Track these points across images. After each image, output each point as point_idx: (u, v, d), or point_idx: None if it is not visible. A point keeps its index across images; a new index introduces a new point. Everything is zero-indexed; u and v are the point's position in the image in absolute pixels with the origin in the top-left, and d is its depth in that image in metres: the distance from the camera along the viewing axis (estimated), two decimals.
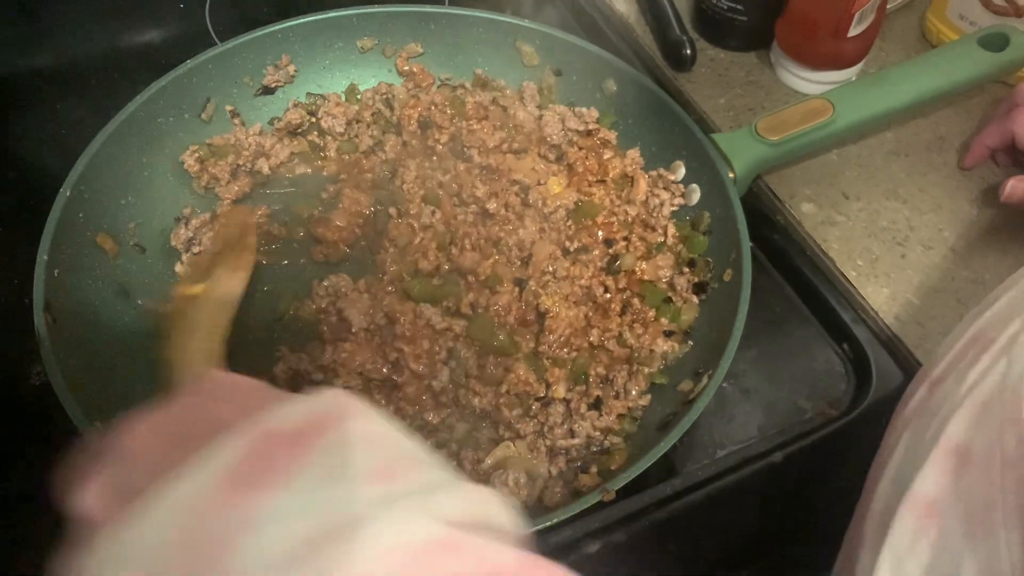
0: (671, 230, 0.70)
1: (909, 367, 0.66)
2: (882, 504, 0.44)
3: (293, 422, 0.31)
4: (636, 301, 0.67)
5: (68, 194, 0.63)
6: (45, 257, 0.60)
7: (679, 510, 0.60)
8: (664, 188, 0.72)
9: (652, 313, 0.67)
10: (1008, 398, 0.39)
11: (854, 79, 0.83)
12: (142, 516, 0.29)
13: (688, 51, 0.84)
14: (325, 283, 0.68)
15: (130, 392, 0.61)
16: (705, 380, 0.59)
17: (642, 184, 0.72)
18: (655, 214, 0.71)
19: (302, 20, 0.77)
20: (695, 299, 0.67)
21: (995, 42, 0.76)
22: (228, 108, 0.76)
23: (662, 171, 0.73)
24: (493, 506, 0.32)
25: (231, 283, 0.65)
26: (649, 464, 0.54)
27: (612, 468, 0.58)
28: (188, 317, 0.61)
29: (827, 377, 0.68)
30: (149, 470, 0.32)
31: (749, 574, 0.59)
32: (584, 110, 0.76)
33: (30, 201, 0.66)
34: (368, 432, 0.32)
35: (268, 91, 0.78)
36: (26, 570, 0.58)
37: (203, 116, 0.75)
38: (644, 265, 0.69)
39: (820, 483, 0.62)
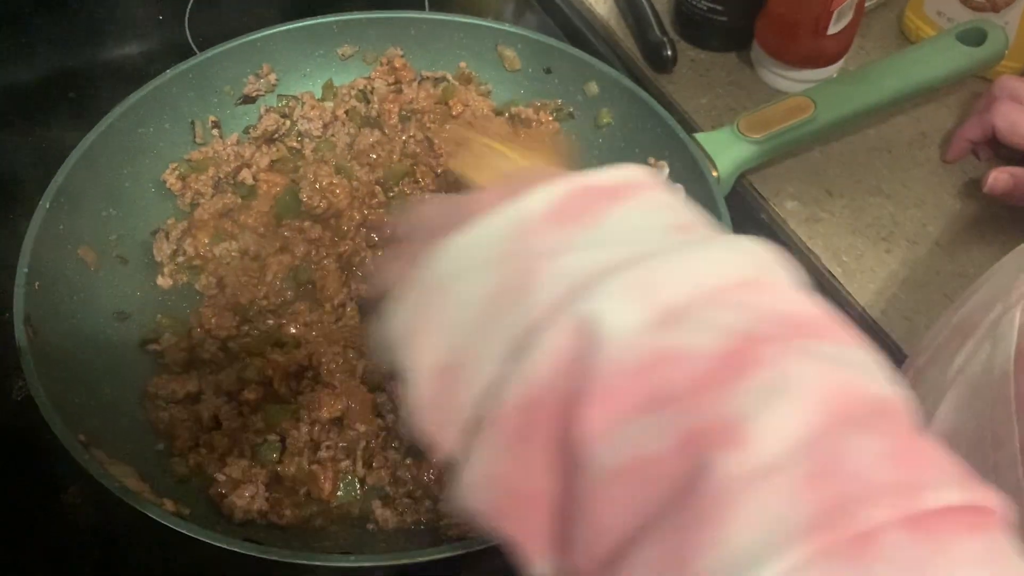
0: None
1: (896, 361, 0.66)
2: None
3: (607, 180, 0.34)
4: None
5: (48, 206, 0.62)
6: (25, 270, 0.59)
7: None
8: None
9: None
10: (996, 379, 0.40)
11: (835, 76, 0.83)
12: (469, 233, 0.33)
13: (669, 52, 0.84)
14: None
15: (113, 404, 0.60)
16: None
17: None
18: None
19: (281, 28, 0.76)
20: None
21: (973, 37, 0.77)
22: (211, 119, 0.76)
23: None
24: (783, 258, 0.33)
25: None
26: None
27: None
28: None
29: None
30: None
31: None
32: None
33: (10, 214, 0.66)
34: (668, 200, 0.35)
35: (249, 100, 0.77)
36: None
37: (197, 139, 0.75)
38: None
39: None
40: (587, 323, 0.28)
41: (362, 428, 0.60)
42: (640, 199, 0.34)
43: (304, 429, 0.60)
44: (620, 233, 0.32)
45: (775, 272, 0.31)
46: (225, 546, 0.49)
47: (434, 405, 0.33)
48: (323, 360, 0.63)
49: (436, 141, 0.75)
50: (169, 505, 0.52)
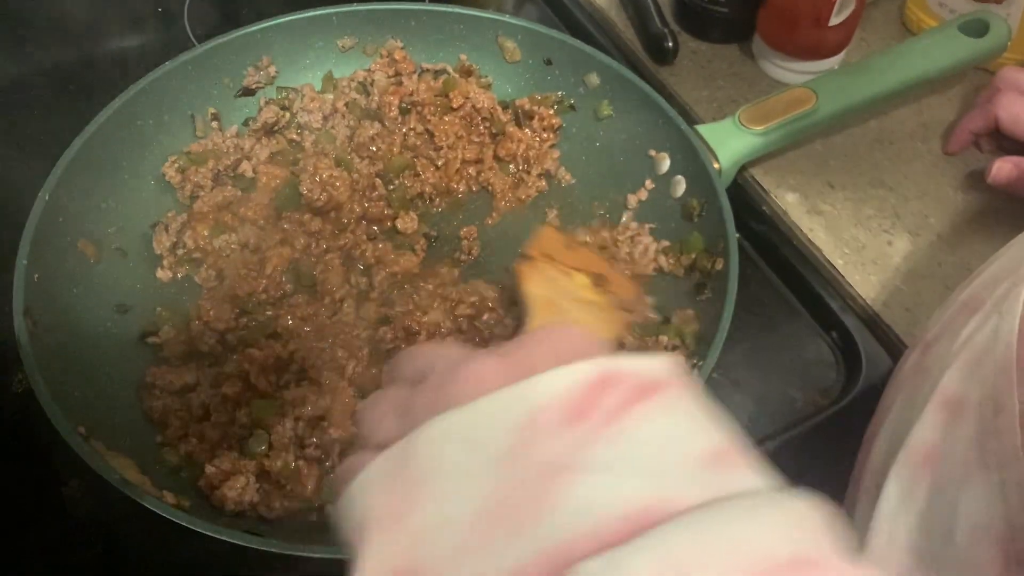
0: (662, 260, 0.69)
1: (898, 353, 0.66)
2: (879, 459, 0.45)
3: (634, 373, 0.30)
4: (629, 338, 0.65)
5: (47, 198, 0.62)
6: (24, 262, 0.59)
7: None
8: (639, 235, 0.71)
9: (651, 340, 0.64)
10: (999, 349, 0.40)
11: (836, 68, 0.83)
12: (469, 413, 0.29)
13: (670, 44, 0.84)
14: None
15: (113, 397, 0.60)
16: (694, 372, 0.59)
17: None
18: (641, 260, 0.69)
19: (280, 20, 0.76)
20: (692, 312, 0.65)
21: (975, 28, 0.77)
22: (210, 111, 0.75)
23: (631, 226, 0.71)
24: (836, 519, 0.28)
25: (604, 328, 0.58)
26: None
27: None
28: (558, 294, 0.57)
29: (817, 366, 0.67)
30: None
31: None
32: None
33: (9, 206, 0.66)
34: (695, 409, 0.30)
35: (248, 92, 0.77)
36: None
37: (197, 133, 0.74)
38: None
39: (812, 471, 0.62)
40: None
41: (335, 434, 0.60)
42: (667, 403, 0.29)
43: (288, 425, 0.60)
44: (642, 453, 0.28)
45: (824, 543, 0.26)
46: (227, 539, 0.49)
47: None
48: (308, 356, 0.63)
49: (436, 134, 0.75)
50: (169, 497, 0.52)
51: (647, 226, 0.71)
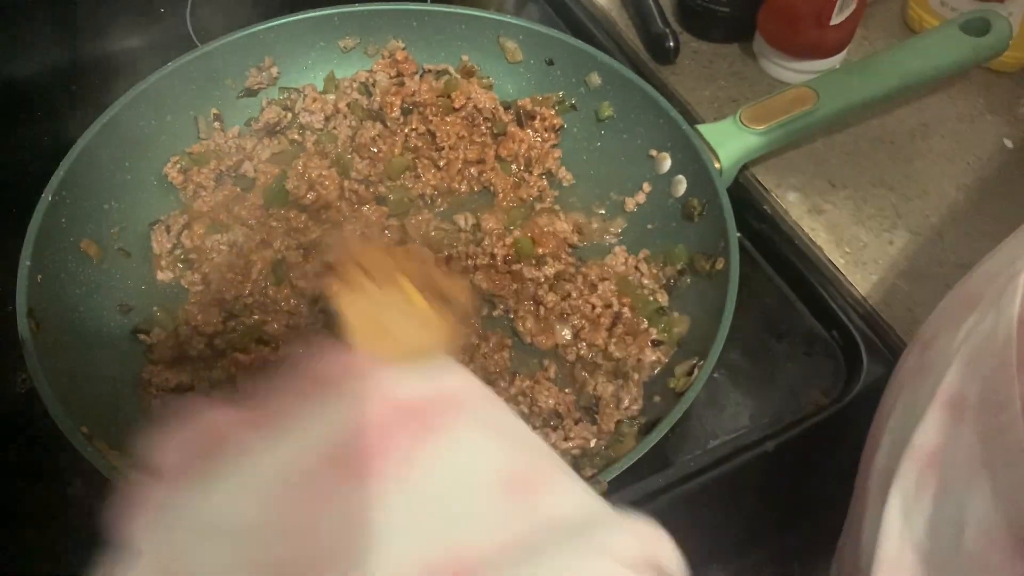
0: (643, 268, 0.70)
1: (899, 352, 0.65)
2: (884, 461, 0.45)
3: (421, 395, 0.26)
4: (627, 311, 0.66)
5: (50, 199, 0.63)
6: (28, 263, 0.59)
7: (673, 501, 0.60)
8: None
9: (644, 323, 0.65)
10: (998, 345, 0.40)
11: (837, 67, 0.83)
12: (226, 482, 0.25)
13: (671, 44, 0.84)
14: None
15: (115, 396, 0.60)
16: (695, 371, 0.59)
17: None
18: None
19: (282, 21, 0.76)
20: (685, 317, 0.66)
21: (977, 27, 0.76)
22: (213, 112, 0.76)
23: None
24: (663, 544, 0.26)
25: (433, 337, 0.55)
26: (640, 455, 0.53)
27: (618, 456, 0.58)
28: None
29: (818, 365, 0.67)
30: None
31: (744, 564, 0.59)
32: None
33: (12, 207, 0.66)
34: (493, 423, 0.27)
35: (251, 93, 0.77)
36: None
37: (200, 134, 0.75)
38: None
39: (813, 471, 0.62)
40: None
41: None
42: (461, 428, 0.26)
43: None
44: (438, 495, 0.24)
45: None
46: None
47: None
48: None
49: (438, 135, 0.75)
50: None
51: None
